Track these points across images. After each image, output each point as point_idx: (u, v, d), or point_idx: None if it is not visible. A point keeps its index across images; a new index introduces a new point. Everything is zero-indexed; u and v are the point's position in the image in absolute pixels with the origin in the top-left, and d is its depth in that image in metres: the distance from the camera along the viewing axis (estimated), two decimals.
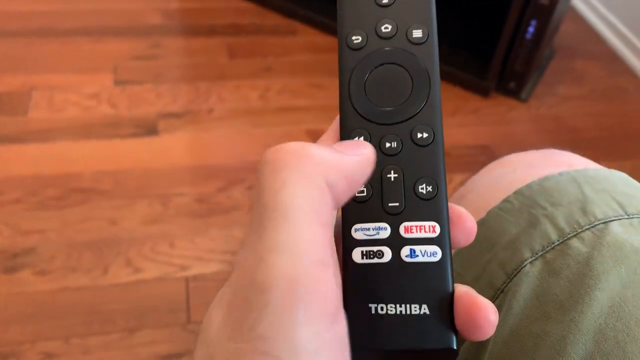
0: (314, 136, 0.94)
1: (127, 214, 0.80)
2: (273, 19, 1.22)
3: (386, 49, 0.21)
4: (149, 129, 0.93)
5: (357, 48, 0.21)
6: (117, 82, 1.01)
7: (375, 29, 0.21)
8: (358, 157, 0.18)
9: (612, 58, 1.24)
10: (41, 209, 0.79)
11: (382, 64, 0.21)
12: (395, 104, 0.20)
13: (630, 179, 0.31)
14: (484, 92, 1.08)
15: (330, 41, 1.18)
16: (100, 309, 0.70)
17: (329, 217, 0.17)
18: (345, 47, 0.21)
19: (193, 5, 1.23)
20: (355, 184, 0.18)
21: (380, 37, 0.21)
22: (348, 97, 0.21)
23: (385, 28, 0.21)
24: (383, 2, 0.21)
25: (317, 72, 1.10)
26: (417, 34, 0.21)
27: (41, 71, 1.01)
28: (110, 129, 0.92)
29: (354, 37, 0.21)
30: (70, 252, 0.74)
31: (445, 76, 1.10)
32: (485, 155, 0.96)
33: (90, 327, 0.68)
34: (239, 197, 0.85)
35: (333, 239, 0.18)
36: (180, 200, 0.83)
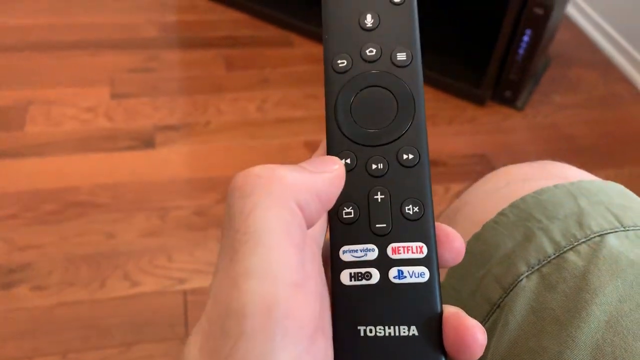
0: (312, 147, 0.94)
1: (124, 227, 0.80)
2: (269, 31, 1.23)
3: (371, 72, 0.21)
4: (146, 141, 0.93)
5: (343, 71, 0.21)
6: (114, 95, 1.01)
7: (360, 52, 0.21)
8: (328, 175, 0.19)
9: (607, 66, 1.25)
10: (38, 224, 0.79)
11: (367, 87, 0.21)
12: (381, 126, 0.21)
13: (626, 190, 0.31)
14: (480, 101, 1.08)
15: None
16: (97, 324, 0.69)
17: (302, 237, 0.17)
18: (331, 70, 0.22)
19: (189, 18, 1.24)
20: (327, 202, 0.19)
21: (365, 61, 0.21)
22: (334, 119, 0.21)
23: (370, 51, 0.21)
24: (367, 25, 0.22)
25: (314, 82, 1.10)
26: (402, 57, 0.21)
27: (38, 85, 1.01)
28: (107, 142, 0.92)
29: (339, 61, 0.22)
30: (67, 267, 0.74)
31: (441, 85, 1.11)
32: (482, 164, 0.96)
33: (87, 341, 0.67)
34: None
35: (310, 258, 0.18)
36: (178, 212, 0.83)
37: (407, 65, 0.21)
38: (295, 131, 0.98)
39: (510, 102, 1.08)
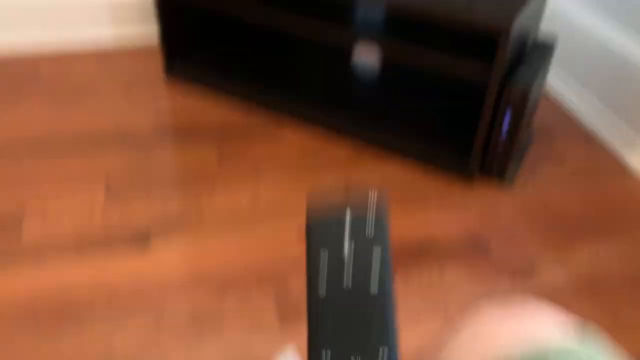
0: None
1: (121, 332, 0.80)
2: (261, 119, 1.27)
3: (349, 297, 0.26)
4: (141, 240, 0.94)
5: (323, 298, 0.26)
6: (109, 195, 1.03)
7: (339, 281, 0.26)
8: None
9: (591, 136, 1.28)
10: (34, 334, 0.79)
11: (345, 309, 0.25)
12: (358, 345, 0.25)
13: (597, 355, 0.32)
14: (468, 179, 1.11)
15: (316, 137, 1.22)
16: None
17: None
18: (314, 296, 0.26)
19: (183, 112, 1.28)
20: None
21: (343, 289, 0.26)
22: (316, 334, 0.25)
23: (347, 281, 0.26)
24: (344, 257, 0.26)
25: (305, 171, 1.12)
26: (374, 288, 0.26)
27: (34, 189, 1.03)
28: (102, 245, 0.93)
29: (319, 292, 0.26)
30: None
31: (429, 165, 1.14)
32: (474, 245, 0.97)
33: None
34: (235, 304, 0.85)
35: None
36: (174, 312, 0.83)
37: (379, 294, 0.26)
38: (289, 224, 1.00)
39: (498, 178, 1.10)
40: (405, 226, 1.00)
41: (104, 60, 1.49)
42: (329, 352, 0.24)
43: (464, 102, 1.33)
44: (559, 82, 1.43)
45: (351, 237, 0.27)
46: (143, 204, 1.02)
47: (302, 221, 1.00)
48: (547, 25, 1.46)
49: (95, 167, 1.10)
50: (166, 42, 1.34)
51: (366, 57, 1.42)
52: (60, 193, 1.03)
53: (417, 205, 1.05)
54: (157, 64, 1.47)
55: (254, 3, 1.19)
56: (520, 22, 0.98)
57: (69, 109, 1.27)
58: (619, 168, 1.19)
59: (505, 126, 1.04)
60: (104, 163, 1.11)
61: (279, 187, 1.08)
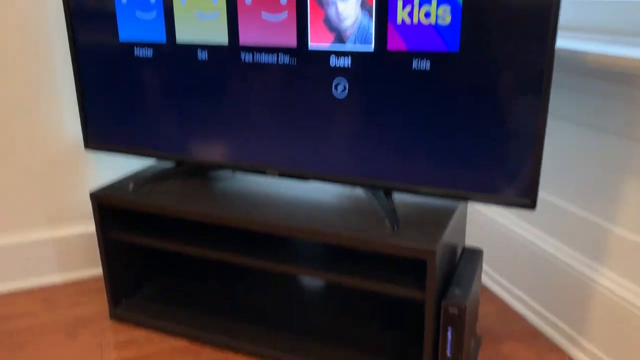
0: None
1: None
2: (208, 354, 1.24)
3: None
4: None
5: None
6: None
7: None
8: None
9: (534, 335, 1.31)
10: None
11: None
12: None
13: None
14: None
15: None
16: None
17: None
18: None
19: (127, 354, 1.24)
20: None
21: None
22: None
23: None
24: None
25: None
26: None
27: None
28: None
29: None
30: None
31: None
32: None
33: None
34: None
35: None
36: None
37: None
38: None
39: None
40: None
41: (48, 299, 1.47)
42: None
43: (412, 316, 1.35)
44: (495, 284, 1.50)
45: None
46: None
47: None
48: (475, 230, 1.57)
49: None
50: (111, 283, 1.35)
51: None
52: None
53: None
54: (103, 302, 1.47)
55: (197, 241, 1.24)
56: (446, 239, 1.05)
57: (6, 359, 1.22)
58: None
59: (448, 343, 1.05)
60: None
61: None
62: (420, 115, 1.03)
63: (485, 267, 1.55)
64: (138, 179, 1.31)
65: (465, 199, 1.05)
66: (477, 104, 0.99)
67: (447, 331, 1.05)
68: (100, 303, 1.47)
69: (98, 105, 1.33)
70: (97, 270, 1.62)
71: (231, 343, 1.25)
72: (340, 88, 1.07)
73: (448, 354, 1.06)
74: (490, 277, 1.52)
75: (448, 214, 1.14)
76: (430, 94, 1.02)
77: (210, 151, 1.25)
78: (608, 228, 1.14)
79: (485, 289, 1.52)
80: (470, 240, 1.59)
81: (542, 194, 1.32)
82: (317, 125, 1.12)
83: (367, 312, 1.37)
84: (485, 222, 1.52)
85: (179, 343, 1.29)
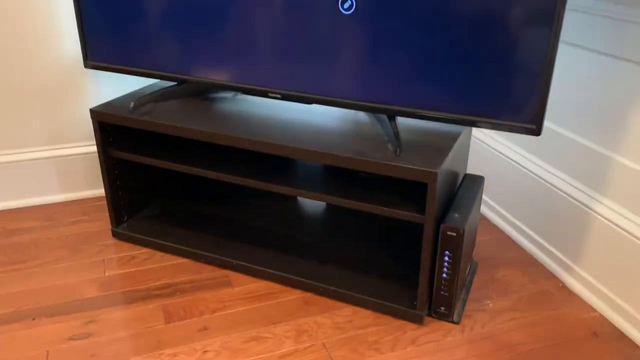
0: None
1: None
2: (209, 272, 1.27)
3: None
4: None
5: None
6: None
7: None
8: None
9: (530, 262, 1.33)
10: None
11: None
12: None
13: None
14: (418, 320, 1.11)
15: (264, 286, 1.22)
16: None
17: None
18: None
19: (129, 271, 1.27)
20: None
21: None
22: None
23: None
24: None
25: (254, 322, 1.11)
26: None
27: None
28: None
29: None
30: None
31: (379, 308, 1.14)
32: None
33: None
34: None
35: None
36: None
37: None
38: None
39: (446, 317, 1.11)
40: None
41: (51, 217, 1.49)
42: None
43: (410, 239, 1.37)
44: (493, 212, 1.51)
45: None
46: None
47: None
48: (476, 158, 1.56)
49: (36, 339, 1.05)
50: (113, 201, 1.36)
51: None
52: None
53: (370, 355, 1.04)
54: (105, 220, 1.49)
55: (197, 161, 1.24)
56: (447, 164, 1.05)
57: (13, 277, 1.24)
58: (563, 293, 1.22)
59: (445, 266, 1.07)
60: (47, 333, 1.07)
61: (226, 341, 1.05)
62: (429, 36, 1.00)
63: (484, 197, 1.55)
64: (139, 98, 1.29)
65: (470, 123, 1.04)
66: (487, 25, 0.96)
67: (444, 254, 1.07)
68: (102, 221, 1.48)
69: (97, 21, 1.29)
70: (99, 191, 1.63)
71: (232, 262, 1.27)
72: (347, 4, 1.04)
73: (444, 275, 1.08)
74: (490, 206, 1.53)
75: (451, 139, 1.13)
76: (439, 15, 0.98)
77: (211, 71, 1.22)
78: (611, 157, 1.13)
79: (483, 218, 1.53)
80: (470, 170, 1.59)
81: (546, 123, 1.31)
82: (321, 44, 1.09)
83: (366, 234, 1.38)
84: (486, 152, 1.52)
85: (181, 261, 1.31)
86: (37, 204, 1.58)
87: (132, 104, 1.27)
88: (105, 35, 1.29)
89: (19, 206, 1.56)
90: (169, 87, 1.35)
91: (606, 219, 1.14)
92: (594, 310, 1.17)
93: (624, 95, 1.10)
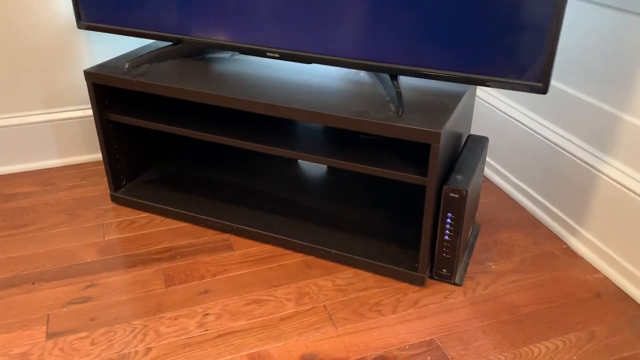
0: None
1: None
2: (209, 236, 1.26)
3: None
4: None
5: None
6: (50, 335, 0.98)
7: None
8: None
9: (533, 224, 1.31)
10: None
11: None
12: None
13: None
14: (419, 282, 1.10)
15: (265, 249, 1.21)
16: None
17: None
18: None
19: (128, 235, 1.26)
20: None
21: None
22: None
23: None
24: None
25: (255, 286, 1.10)
26: None
27: None
28: None
29: None
30: None
31: (381, 271, 1.13)
32: (433, 351, 0.95)
33: None
34: None
35: None
36: None
37: None
38: (239, 345, 0.96)
39: (448, 279, 1.11)
40: (361, 342, 0.98)
41: (49, 181, 1.48)
42: None
43: (412, 202, 1.35)
44: (496, 174, 1.48)
45: None
46: (86, 342, 0.96)
47: (252, 339, 0.97)
48: (480, 120, 1.53)
49: (36, 304, 1.05)
50: (111, 165, 1.34)
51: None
52: None
53: (371, 317, 1.03)
54: (103, 185, 1.47)
55: (195, 124, 1.22)
56: (450, 125, 1.02)
57: (12, 242, 1.24)
58: (567, 254, 1.21)
59: (447, 228, 1.06)
60: (46, 298, 1.07)
61: (227, 304, 1.05)
62: None
63: (488, 158, 1.53)
64: (134, 59, 1.26)
65: (475, 82, 1.00)
66: None
67: (446, 216, 1.05)
68: (101, 186, 1.47)
69: None
70: (97, 155, 1.61)
71: (232, 226, 1.26)
72: None
73: (446, 237, 1.07)
74: (493, 168, 1.51)
75: (455, 99, 1.10)
76: None
77: (208, 30, 1.18)
78: (619, 116, 1.10)
79: (487, 180, 1.51)
80: (474, 131, 1.56)
81: (552, 82, 1.27)
82: (320, 2, 1.05)
83: (367, 197, 1.37)
84: (490, 112, 1.48)
85: (181, 225, 1.30)
86: (35, 168, 1.56)
87: (127, 65, 1.23)
88: None
89: (17, 171, 1.54)
90: (165, 47, 1.31)
91: (612, 179, 1.12)
92: (598, 271, 1.16)
93: (634, 52, 1.06)
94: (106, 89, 1.27)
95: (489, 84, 0.99)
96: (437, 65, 1.02)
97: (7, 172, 1.54)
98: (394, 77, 1.10)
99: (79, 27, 1.30)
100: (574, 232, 1.23)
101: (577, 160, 1.20)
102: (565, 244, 1.25)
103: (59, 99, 1.52)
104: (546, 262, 1.18)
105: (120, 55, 1.33)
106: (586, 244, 1.20)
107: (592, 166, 1.17)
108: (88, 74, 1.22)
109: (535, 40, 0.93)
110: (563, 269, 1.16)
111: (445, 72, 1.02)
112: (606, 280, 1.13)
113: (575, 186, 1.22)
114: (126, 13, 1.24)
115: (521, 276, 1.14)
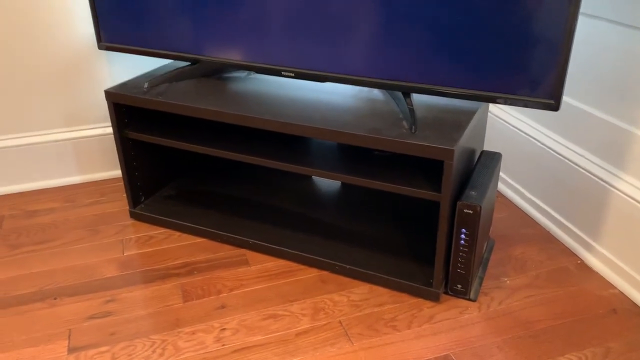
0: None
1: None
2: (225, 251, 1.28)
3: None
4: None
5: None
6: (71, 350, 1.00)
7: None
8: None
9: (547, 239, 1.32)
10: None
11: None
12: None
13: None
14: (434, 298, 1.11)
15: (281, 264, 1.23)
16: None
17: None
18: None
19: (147, 250, 1.29)
20: None
21: None
22: None
23: None
24: None
25: (271, 300, 1.12)
26: None
27: None
28: None
29: None
30: None
31: (396, 286, 1.14)
32: None
33: None
34: None
35: None
36: None
37: None
38: None
39: (463, 294, 1.11)
40: (376, 358, 0.99)
41: (70, 198, 1.51)
42: None
43: (426, 217, 1.37)
44: (509, 188, 1.49)
45: None
46: (107, 355, 0.99)
47: (269, 354, 0.98)
48: (492, 135, 1.54)
49: (58, 318, 1.08)
50: (130, 182, 1.37)
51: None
52: (19, 353, 1.00)
53: (386, 333, 1.04)
54: (123, 201, 1.50)
55: (212, 141, 1.24)
56: (464, 141, 1.03)
57: (35, 258, 1.27)
58: (581, 269, 1.21)
59: (461, 243, 1.07)
60: (68, 312, 1.09)
61: (244, 319, 1.07)
62: (444, 10, 0.98)
63: (501, 173, 1.54)
64: (153, 78, 1.29)
65: (487, 99, 1.02)
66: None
67: (460, 232, 1.06)
68: (120, 202, 1.50)
69: (109, 2, 1.28)
70: (117, 172, 1.64)
71: (248, 241, 1.28)
72: None
73: (461, 253, 1.08)
74: (507, 183, 1.51)
75: (468, 115, 1.11)
76: None
77: (224, 51, 1.21)
78: (631, 131, 1.11)
79: (501, 195, 1.52)
80: (487, 147, 1.57)
81: (564, 97, 1.28)
82: (335, 21, 1.08)
83: (382, 212, 1.38)
84: (503, 128, 1.50)
85: (198, 240, 1.32)
86: (56, 185, 1.60)
87: (146, 85, 1.27)
88: (118, 17, 1.29)
89: (39, 188, 1.58)
90: (183, 67, 1.34)
91: (626, 194, 1.12)
92: (613, 287, 1.16)
93: None
94: (126, 108, 1.31)
95: (500, 101, 1.00)
96: (449, 83, 1.04)
97: (30, 189, 1.58)
98: (406, 94, 1.12)
99: (100, 47, 1.34)
100: (588, 247, 1.23)
101: (590, 175, 1.21)
102: (580, 259, 1.25)
103: (79, 117, 1.57)
104: (561, 278, 1.19)
105: (140, 75, 1.37)
106: (601, 259, 1.20)
107: (605, 181, 1.17)
108: (109, 93, 1.26)
109: (546, 57, 0.95)
110: (578, 284, 1.16)
111: (457, 89, 1.03)
112: (622, 296, 1.13)
113: (589, 201, 1.22)
114: (145, 34, 1.28)
115: (536, 291, 1.14)
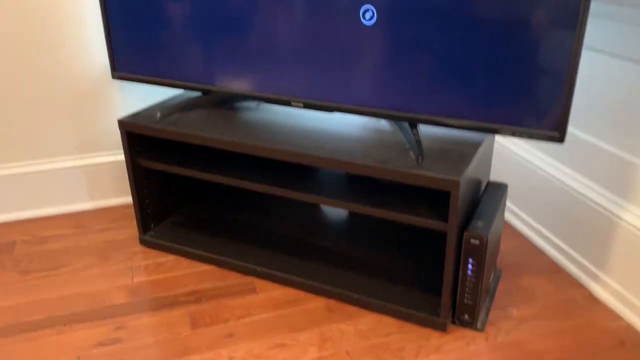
0: None
1: None
2: (233, 279, 1.29)
3: None
4: None
5: None
6: None
7: None
8: None
9: (555, 269, 1.32)
10: None
11: None
12: None
13: None
14: (442, 328, 1.11)
15: (288, 293, 1.23)
16: None
17: None
18: None
19: (156, 278, 1.30)
20: None
21: None
22: None
23: None
24: None
25: (278, 330, 1.12)
26: None
27: None
28: None
29: None
30: None
31: (403, 316, 1.15)
32: None
33: None
34: None
35: None
36: None
37: None
38: None
39: (470, 324, 1.11)
40: None
41: (80, 224, 1.53)
42: None
43: (433, 246, 1.37)
44: (516, 218, 1.50)
45: None
46: None
47: None
48: (500, 165, 1.55)
49: (67, 345, 1.09)
50: (140, 209, 1.39)
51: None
52: None
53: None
54: (132, 228, 1.52)
55: (222, 169, 1.26)
56: (470, 172, 1.05)
57: (45, 284, 1.28)
58: (589, 301, 1.21)
59: (468, 274, 1.07)
60: (77, 339, 1.10)
61: (252, 348, 1.07)
62: (449, 45, 1.01)
63: (508, 203, 1.54)
64: (165, 108, 1.32)
65: (492, 131, 1.04)
66: (508, 32, 0.96)
67: (467, 262, 1.07)
68: (130, 229, 1.52)
69: (124, 33, 1.32)
70: (127, 199, 1.66)
71: (256, 269, 1.29)
72: (369, 14, 1.05)
73: (468, 284, 1.08)
74: (513, 213, 1.52)
75: (474, 147, 1.13)
76: (460, 22, 0.99)
77: (235, 81, 1.24)
78: (638, 164, 1.12)
79: (507, 225, 1.52)
80: (494, 177, 1.58)
81: (570, 129, 1.30)
82: (343, 54, 1.10)
83: (389, 242, 1.39)
84: (509, 158, 1.51)
85: (206, 268, 1.34)
86: (67, 211, 1.62)
87: (158, 114, 1.30)
88: (132, 47, 1.32)
89: (50, 214, 1.61)
90: (194, 97, 1.37)
91: (632, 225, 1.13)
92: (621, 318, 1.15)
93: None
94: (138, 137, 1.33)
95: (505, 133, 1.02)
96: (454, 114, 1.05)
97: (42, 215, 1.60)
98: (413, 125, 1.14)
99: (113, 77, 1.37)
100: (595, 278, 1.23)
101: (597, 207, 1.22)
102: (587, 290, 1.25)
103: (91, 144, 1.60)
104: (568, 309, 1.18)
105: (153, 105, 1.40)
106: (609, 291, 1.20)
107: (611, 212, 1.18)
108: (122, 122, 1.29)
109: (551, 90, 0.97)
110: (586, 316, 1.16)
111: (462, 121, 1.05)
112: (630, 328, 1.13)
113: (596, 232, 1.22)
114: (158, 65, 1.31)
115: (543, 322, 1.14)
